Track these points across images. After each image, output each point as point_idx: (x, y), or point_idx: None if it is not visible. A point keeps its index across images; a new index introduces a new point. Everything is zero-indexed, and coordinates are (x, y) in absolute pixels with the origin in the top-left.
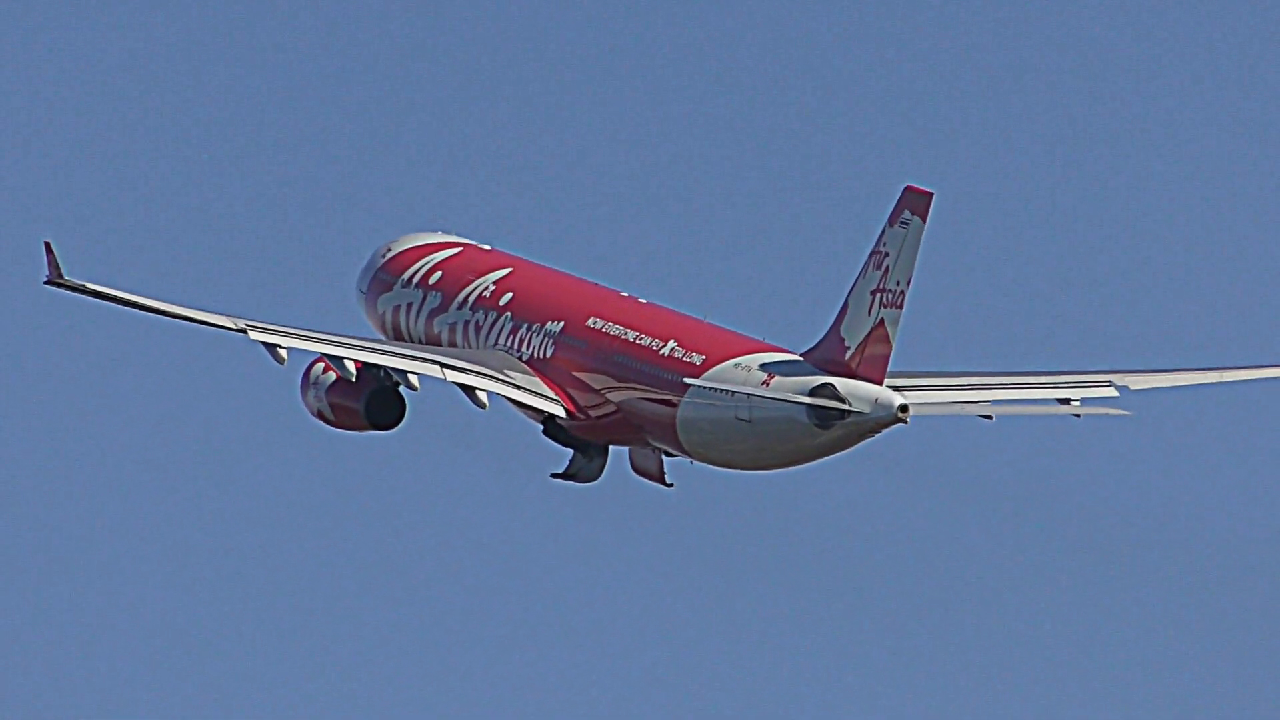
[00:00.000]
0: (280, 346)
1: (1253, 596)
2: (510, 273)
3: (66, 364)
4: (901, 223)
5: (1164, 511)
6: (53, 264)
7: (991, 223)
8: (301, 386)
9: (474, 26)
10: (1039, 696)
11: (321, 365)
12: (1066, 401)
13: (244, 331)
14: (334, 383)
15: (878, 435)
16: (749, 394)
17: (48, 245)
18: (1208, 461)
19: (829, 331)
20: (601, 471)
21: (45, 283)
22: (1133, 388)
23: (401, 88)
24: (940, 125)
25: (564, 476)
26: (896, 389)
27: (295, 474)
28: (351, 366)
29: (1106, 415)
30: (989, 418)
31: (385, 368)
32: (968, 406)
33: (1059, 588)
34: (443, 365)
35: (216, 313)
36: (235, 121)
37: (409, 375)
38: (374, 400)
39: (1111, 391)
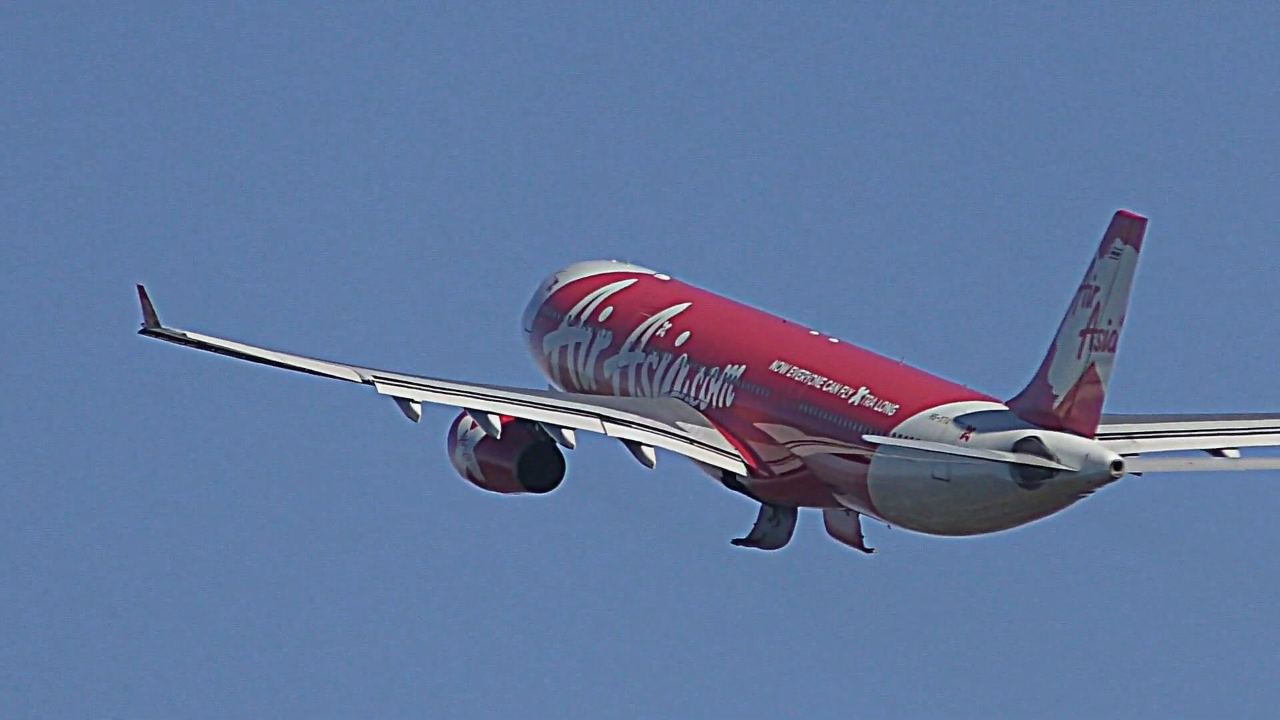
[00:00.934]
0: (414, 401)
1: None
2: (688, 308)
3: (168, 423)
4: (1112, 253)
5: None
6: (148, 311)
7: (1219, 249)
8: (449, 443)
9: (658, 35)
10: None
11: (470, 420)
12: (1219, 452)
13: (372, 384)
14: (483, 439)
15: (1091, 494)
16: (943, 451)
17: (141, 290)
18: None
19: (1035, 377)
20: (790, 536)
21: (140, 332)
22: None
23: (578, 98)
24: (1165, 139)
25: (747, 542)
26: (1119, 436)
27: (441, 540)
28: (497, 422)
29: None
30: (1137, 474)
31: (538, 422)
32: (1193, 462)
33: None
34: (603, 419)
35: (344, 364)
36: (375, 142)
37: (563, 431)
38: (528, 459)
39: None
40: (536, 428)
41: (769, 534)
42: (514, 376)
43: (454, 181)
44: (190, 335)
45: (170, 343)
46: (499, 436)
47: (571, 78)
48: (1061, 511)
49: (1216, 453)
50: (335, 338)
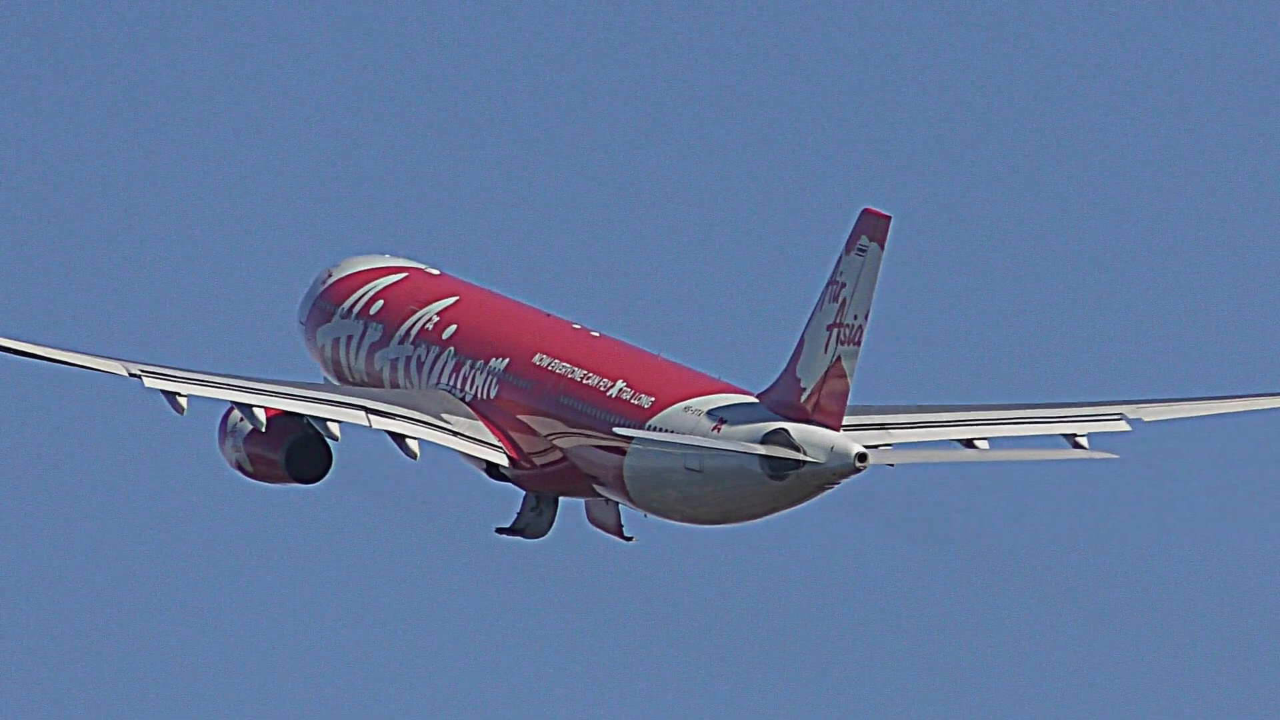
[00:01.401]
0: (179, 394)
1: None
2: (456, 301)
3: None
4: (858, 250)
5: (1176, 547)
6: None
7: (983, 245)
8: (219, 435)
9: (440, 32)
10: None
11: (239, 413)
12: (970, 443)
13: (139, 377)
14: (252, 431)
15: (836, 486)
16: (692, 444)
17: None
18: (1227, 500)
19: (785, 371)
20: (552, 525)
21: None
22: (1146, 419)
23: (369, 92)
24: (916, 139)
25: (510, 531)
26: (874, 427)
27: (212, 530)
28: (262, 415)
29: (1046, 459)
30: (890, 465)
31: (305, 415)
32: (939, 453)
33: (1053, 633)
34: (368, 411)
35: (113, 358)
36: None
37: (329, 424)
38: (295, 450)
39: (1123, 425)
40: (304, 420)
41: (532, 523)
42: (291, 370)
43: (237, 176)
44: None
45: None
46: (264, 429)
47: (370, 74)
48: (811, 501)
49: (968, 443)
50: (111, 333)
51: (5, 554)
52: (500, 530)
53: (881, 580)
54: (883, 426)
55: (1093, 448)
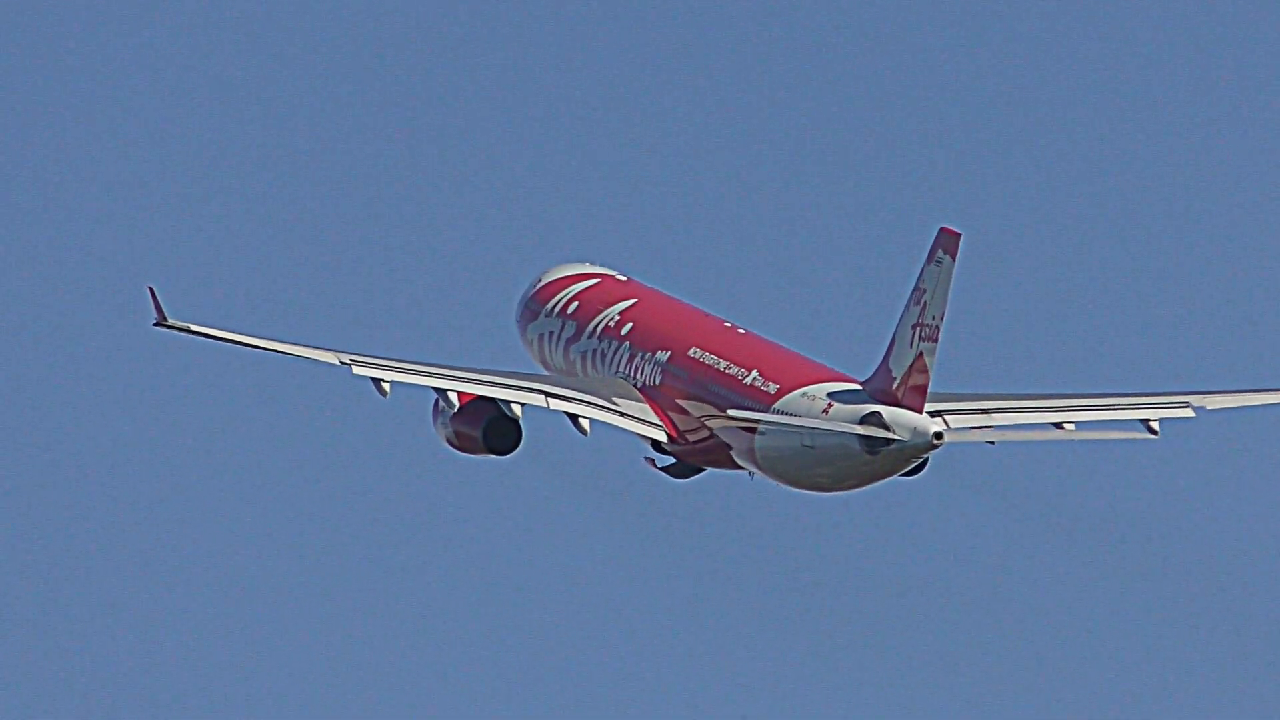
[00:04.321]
0: (383, 381)
1: None
2: (635, 303)
3: (181, 402)
4: (935, 261)
5: (1234, 536)
6: (157, 307)
7: (1078, 243)
8: (433, 415)
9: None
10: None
11: (455, 395)
12: (1059, 425)
13: (348, 365)
14: (457, 411)
15: (920, 459)
16: (798, 425)
17: (151, 290)
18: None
19: (880, 363)
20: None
21: (154, 325)
22: (1209, 408)
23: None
24: (977, 151)
25: (661, 467)
26: (985, 410)
27: (425, 494)
28: (455, 398)
29: (1116, 439)
30: (991, 443)
31: (495, 398)
32: (1029, 432)
33: (1119, 610)
34: (547, 394)
35: (320, 348)
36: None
37: (511, 404)
38: (491, 427)
39: (1189, 412)
40: (500, 402)
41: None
42: (517, 362)
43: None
44: (194, 327)
45: (179, 333)
46: (455, 410)
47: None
48: (901, 472)
49: (1057, 425)
50: (387, 336)
51: (250, 515)
52: (650, 460)
53: (973, 546)
54: (985, 411)
55: (1161, 433)
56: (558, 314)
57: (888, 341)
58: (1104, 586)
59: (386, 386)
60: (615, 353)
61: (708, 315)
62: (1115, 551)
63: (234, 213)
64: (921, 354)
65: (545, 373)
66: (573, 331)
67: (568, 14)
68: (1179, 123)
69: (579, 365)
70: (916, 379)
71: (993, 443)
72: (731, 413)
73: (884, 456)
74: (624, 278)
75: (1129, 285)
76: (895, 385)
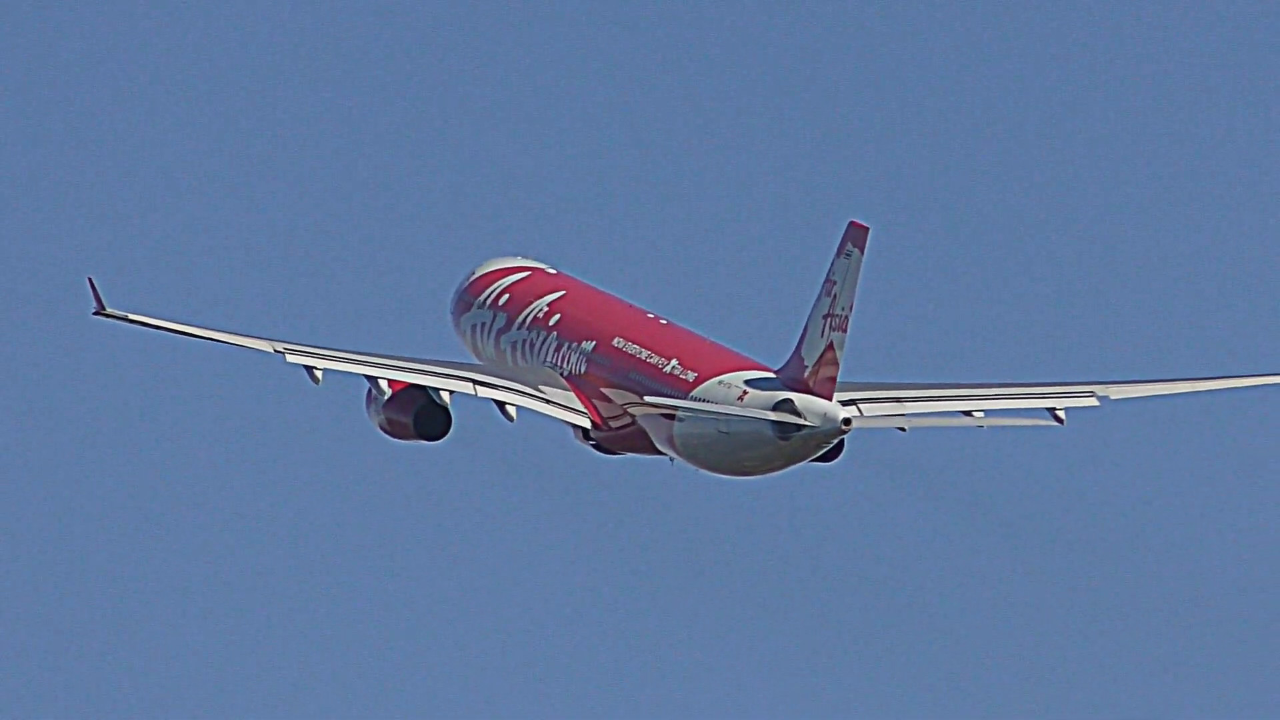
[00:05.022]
0: (315, 369)
1: (1229, 604)
2: (563, 295)
3: (120, 388)
4: (845, 254)
5: (1135, 521)
6: (97, 297)
7: (986, 236)
8: (366, 402)
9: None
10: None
11: (381, 384)
12: (969, 413)
13: (281, 354)
14: (389, 399)
15: (830, 444)
16: (714, 412)
17: (90, 281)
18: (1187, 471)
19: (793, 351)
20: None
21: (93, 314)
22: (1113, 397)
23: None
24: (896, 142)
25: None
26: (897, 399)
27: (358, 478)
28: (385, 385)
29: (1023, 426)
30: (902, 429)
31: (425, 386)
32: (917, 419)
33: (1017, 594)
34: (476, 382)
35: (254, 336)
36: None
37: (440, 392)
38: (421, 414)
39: (1093, 401)
40: (429, 390)
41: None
42: (450, 352)
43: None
44: (133, 316)
45: (118, 322)
46: (387, 398)
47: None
48: (815, 457)
49: (966, 413)
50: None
51: (186, 497)
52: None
53: (885, 529)
54: (898, 399)
55: (1067, 420)
56: (489, 305)
57: (799, 331)
58: (1010, 567)
59: (319, 374)
60: (543, 342)
61: (632, 307)
62: (1021, 533)
63: (172, 204)
64: (832, 343)
65: (477, 362)
66: (503, 322)
67: (510, 13)
68: (1081, 113)
69: (509, 355)
70: (827, 368)
71: (904, 429)
72: (650, 399)
73: (795, 441)
74: (554, 271)
75: (1036, 278)
76: (807, 373)
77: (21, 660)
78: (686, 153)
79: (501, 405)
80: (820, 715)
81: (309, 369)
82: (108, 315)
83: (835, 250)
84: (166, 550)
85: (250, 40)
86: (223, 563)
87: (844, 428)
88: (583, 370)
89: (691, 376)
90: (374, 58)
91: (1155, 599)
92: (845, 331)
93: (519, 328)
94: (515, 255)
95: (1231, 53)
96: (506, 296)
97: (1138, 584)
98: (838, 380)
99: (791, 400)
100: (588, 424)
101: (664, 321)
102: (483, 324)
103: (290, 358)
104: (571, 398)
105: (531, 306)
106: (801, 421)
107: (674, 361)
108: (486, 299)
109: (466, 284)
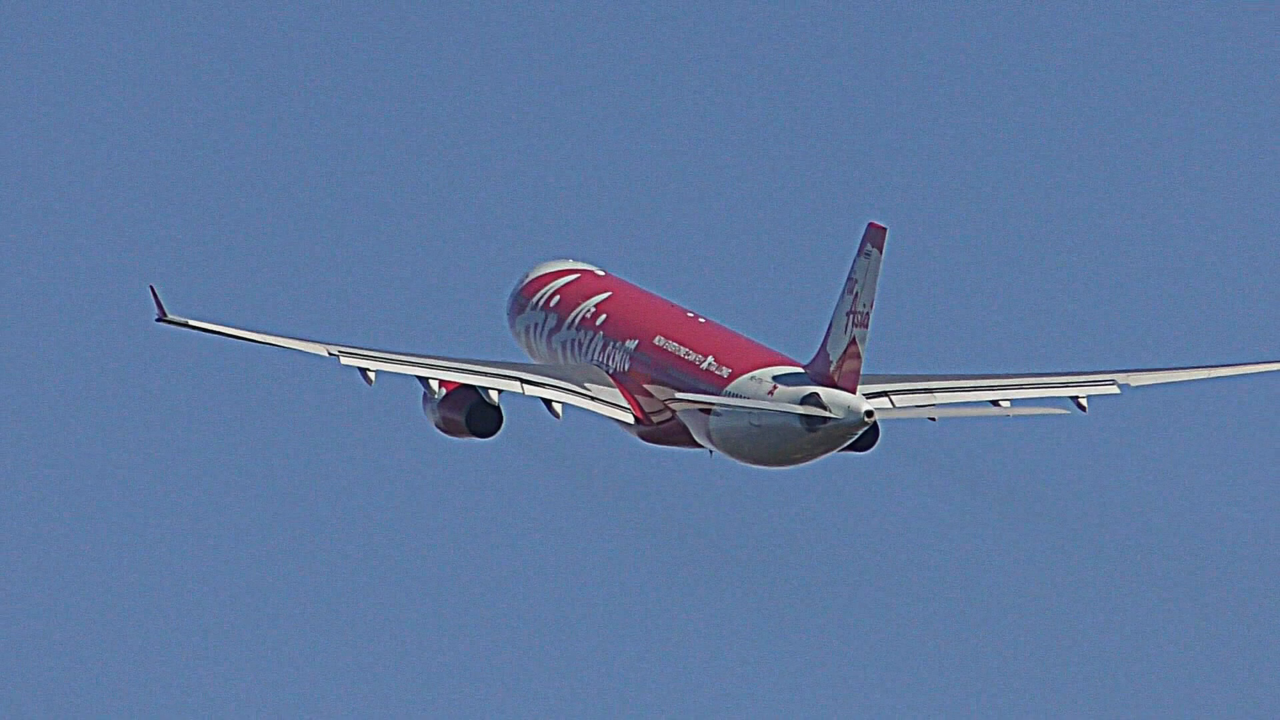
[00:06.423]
0: (369, 370)
1: (1246, 593)
2: (609, 296)
3: (182, 391)
4: (864, 254)
5: (1158, 506)
6: (158, 304)
7: (1012, 233)
8: (423, 401)
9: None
10: (1031, 694)
11: (435, 384)
12: (995, 403)
13: (336, 356)
14: (444, 398)
15: (857, 434)
16: (743, 406)
17: (152, 289)
18: (1206, 456)
19: (820, 348)
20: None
21: (155, 320)
22: (1134, 385)
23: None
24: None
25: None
26: (928, 390)
27: (416, 471)
28: (436, 385)
29: (1047, 414)
30: (933, 419)
31: (475, 385)
32: (946, 410)
33: (1047, 581)
34: (522, 381)
35: (310, 340)
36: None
37: (489, 391)
38: (474, 412)
39: (1114, 389)
40: (477, 389)
41: None
42: (508, 352)
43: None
44: (193, 322)
45: (179, 328)
46: (438, 396)
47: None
48: (846, 447)
49: (994, 403)
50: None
51: (250, 489)
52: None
53: (918, 515)
54: (928, 390)
55: (1090, 408)
56: (541, 307)
57: (825, 327)
58: (1037, 553)
59: (372, 375)
60: (591, 342)
61: (673, 306)
62: (1045, 518)
63: (230, 212)
64: (854, 339)
65: (531, 361)
66: (554, 323)
67: (565, 22)
68: (1094, 108)
69: (560, 354)
70: (850, 363)
71: (934, 419)
72: (686, 396)
73: (822, 433)
74: (602, 273)
75: (1057, 272)
76: (832, 368)
77: (85, 657)
78: (727, 161)
79: (548, 403)
80: (853, 702)
81: (362, 370)
82: (169, 321)
83: (856, 250)
84: (231, 550)
85: (308, 46)
86: (288, 560)
87: (866, 419)
88: (626, 368)
89: (726, 372)
90: (434, 63)
91: (1181, 584)
92: (867, 328)
93: (568, 328)
94: (566, 258)
95: (1246, 50)
96: (557, 298)
97: (1165, 571)
98: (862, 373)
99: (818, 394)
100: (631, 419)
101: (702, 320)
102: (536, 325)
103: (345, 360)
104: (616, 394)
105: (580, 308)
106: (827, 414)
107: (710, 358)
108: (539, 301)
109: (520, 287)
